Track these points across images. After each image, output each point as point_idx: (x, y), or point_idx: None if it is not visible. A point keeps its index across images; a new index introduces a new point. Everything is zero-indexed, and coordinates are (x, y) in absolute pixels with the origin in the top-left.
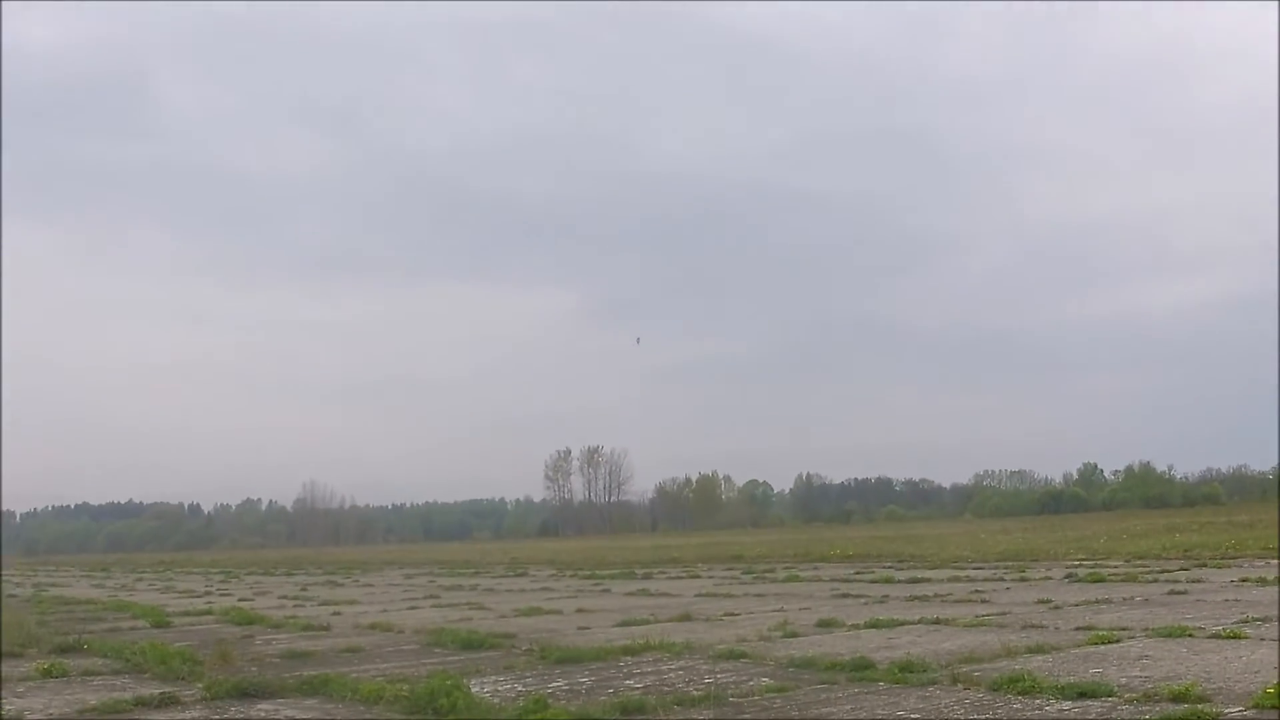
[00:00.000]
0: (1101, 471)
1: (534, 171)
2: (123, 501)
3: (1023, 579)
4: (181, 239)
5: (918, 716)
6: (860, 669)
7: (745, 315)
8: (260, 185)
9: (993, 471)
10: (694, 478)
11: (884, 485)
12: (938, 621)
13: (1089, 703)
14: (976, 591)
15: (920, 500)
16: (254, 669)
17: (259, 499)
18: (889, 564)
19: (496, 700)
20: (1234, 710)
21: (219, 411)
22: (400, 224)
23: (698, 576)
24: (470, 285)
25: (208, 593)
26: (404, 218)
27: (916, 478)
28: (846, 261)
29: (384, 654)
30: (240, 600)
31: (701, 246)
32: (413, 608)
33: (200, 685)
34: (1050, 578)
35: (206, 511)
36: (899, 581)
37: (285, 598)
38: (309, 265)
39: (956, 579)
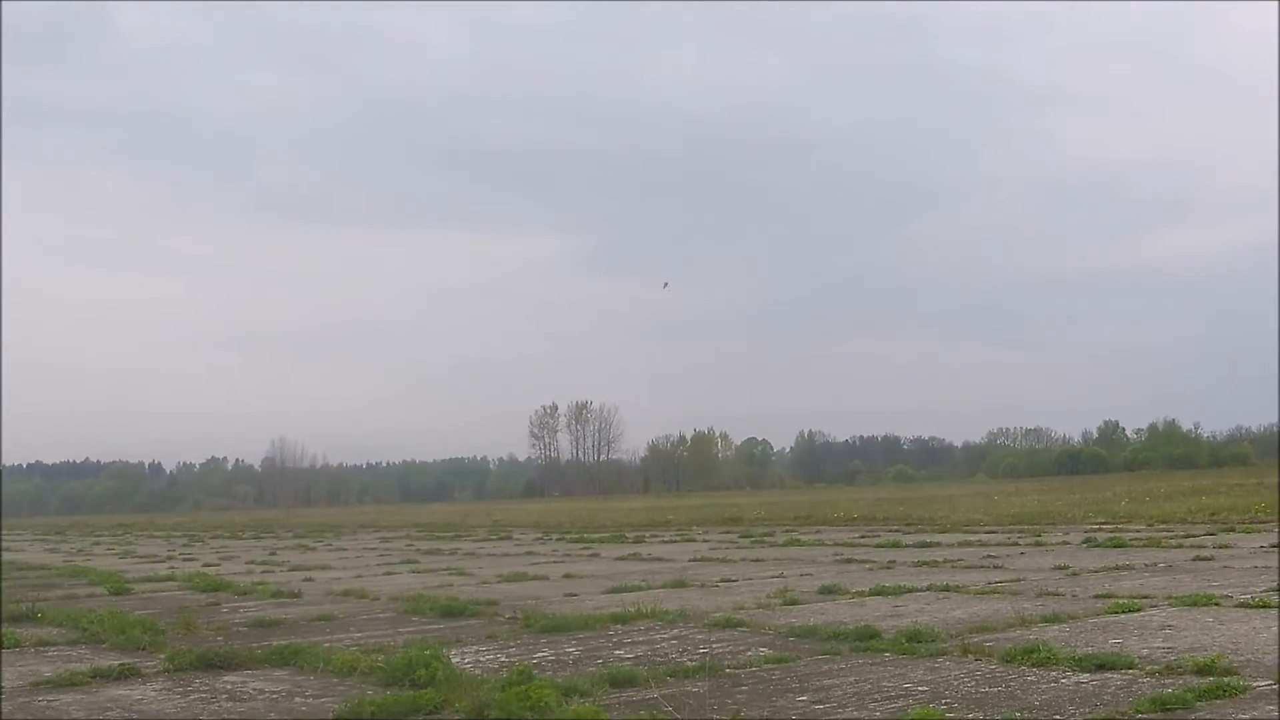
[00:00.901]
0: (1123, 430)
1: (520, 109)
2: (78, 460)
3: (1038, 544)
4: (139, 180)
5: (925, 689)
6: (864, 638)
7: (745, 264)
8: (223, 125)
9: (1007, 429)
10: (689, 435)
11: (891, 444)
12: (947, 589)
13: (1108, 675)
14: (989, 557)
15: (930, 460)
16: (219, 639)
17: (224, 458)
18: (896, 527)
19: (478, 671)
20: (1263, 683)
21: (181, 363)
22: (378, 166)
23: (692, 540)
24: (453, 231)
25: (170, 558)
26: (381, 159)
27: (926, 436)
28: (855, 205)
29: (359, 622)
30: (205, 565)
31: (699, 189)
32: (389, 573)
33: (163, 656)
34: (1068, 542)
35: (169, 471)
36: (906, 546)
37: (253, 563)
38: (278, 209)
39: (967, 543)
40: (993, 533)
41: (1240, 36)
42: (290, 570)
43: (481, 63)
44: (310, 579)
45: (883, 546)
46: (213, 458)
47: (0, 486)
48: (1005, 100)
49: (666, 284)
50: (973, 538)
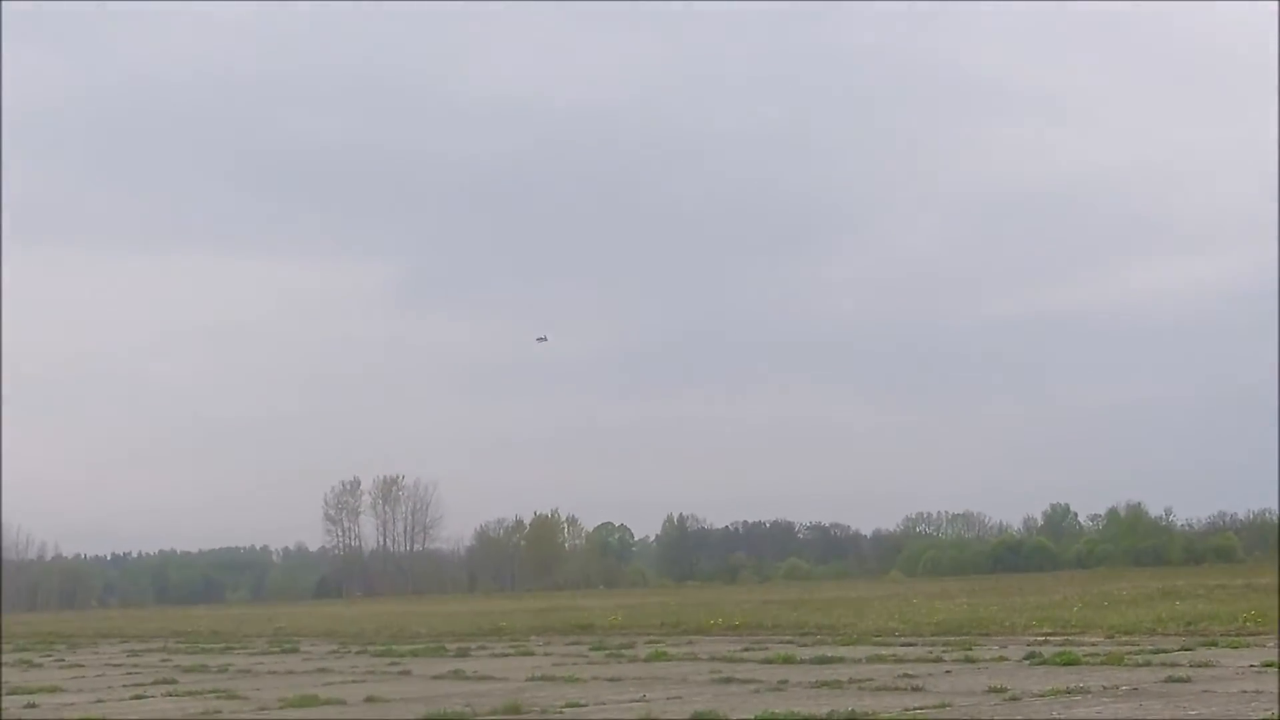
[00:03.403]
0: (1075, 516)
1: (320, 104)
2: None
3: (969, 659)
4: None
5: None
6: None
7: (601, 300)
8: None
9: (929, 514)
10: (526, 519)
11: (783, 531)
12: (853, 717)
13: None
14: (906, 676)
15: (831, 552)
16: None
17: None
18: (789, 637)
19: None
20: None
21: None
22: (127, 170)
23: (531, 654)
24: (220, 254)
25: None
26: (134, 163)
27: (826, 522)
28: (742, 227)
29: None
30: None
31: (544, 207)
32: (138, 697)
33: None
34: (1006, 658)
35: None
36: (802, 662)
37: None
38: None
39: (879, 658)
40: (911, 645)
41: (1233, 31)
42: (8, 694)
43: (274, 48)
44: (33, 705)
45: (772, 662)
46: None
47: None
48: (937, 100)
49: (544, 337)
50: (886, 651)
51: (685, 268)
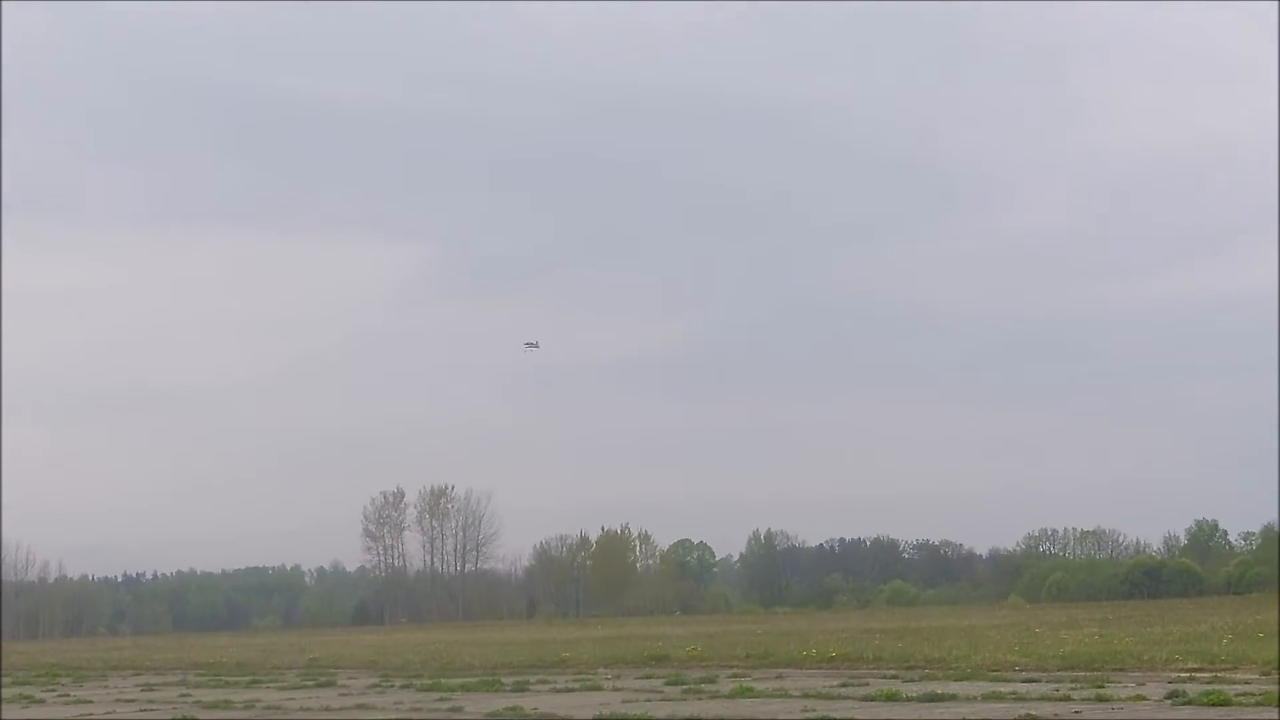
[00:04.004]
0: (1224, 534)
1: (356, 69)
2: None
3: (1100, 698)
4: None
5: None
6: None
7: (679, 292)
8: None
9: (1053, 532)
10: (593, 536)
11: (885, 550)
12: None
13: None
14: (1029, 717)
15: (941, 574)
16: None
17: None
18: (892, 671)
19: None
20: None
21: None
22: (145, 140)
23: (598, 688)
24: (252, 234)
25: None
26: (151, 131)
27: (935, 539)
28: (828, 209)
29: None
30: None
31: (603, 183)
32: None
33: None
34: (1144, 697)
35: None
36: (908, 699)
37: None
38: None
39: (997, 696)
40: (1034, 680)
41: None
42: None
43: (295, 9)
44: None
45: (873, 700)
46: None
47: None
48: (1046, 60)
49: (534, 344)
50: (1004, 688)
51: (768, 254)
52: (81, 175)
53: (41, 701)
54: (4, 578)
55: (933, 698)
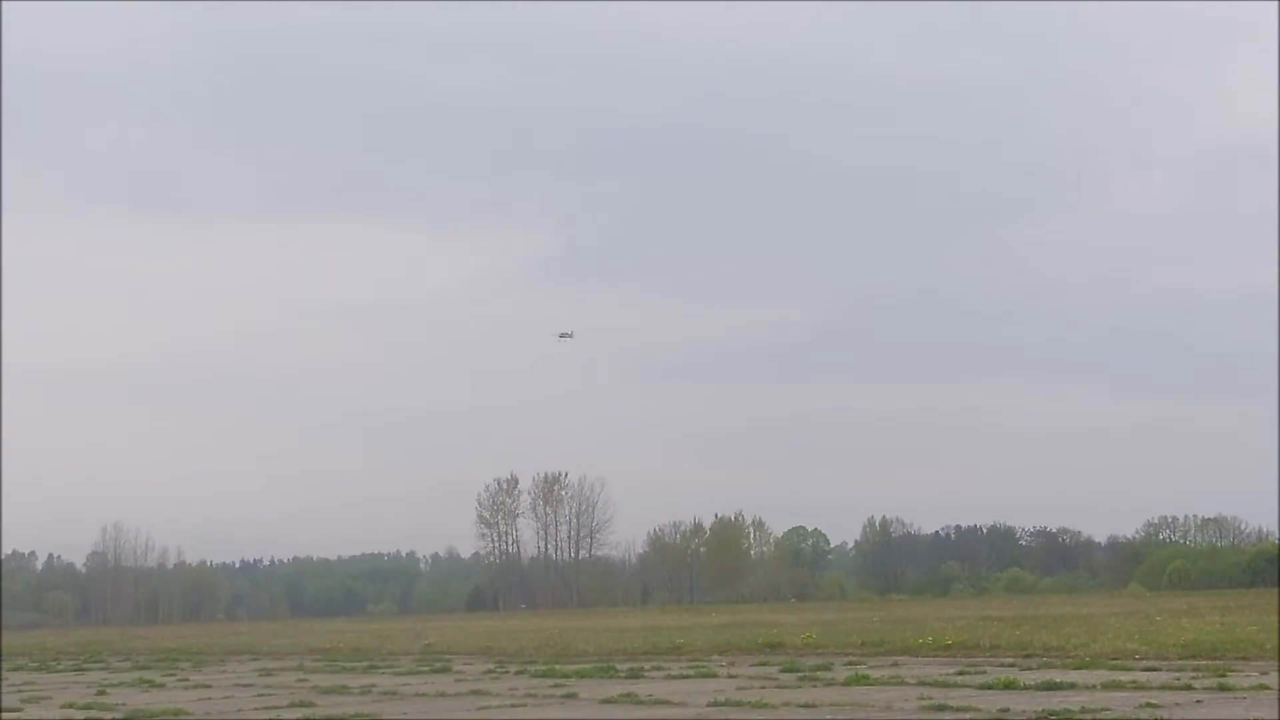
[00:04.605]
0: None
1: (463, 52)
2: None
3: (1222, 686)
4: None
5: None
6: None
7: (791, 277)
8: (25, 69)
9: (1174, 519)
10: (706, 523)
11: (1002, 537)
12: None
13: None
14: (1149, 705)
15: (1059, 562)
16: None
17: (30, 552)
18: (1009, 659)
19: None
20: None
21: None
22: (252, 127)
23: (713, 675)
24: (359, 221)
25: None
26: (258, 118)
27: (1052, 527)
28: (942, 193)
29: None
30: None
31: (719, 169)
32: None
33: None
34: (1267, 686)
35: None
36: (1026, 688)
37: (72, 706)
38: (103, 189)
39: (1117, 684)
40: (1154, 669)
41: None
42: (126, 718)
43: None
44: None
45: (991, 688)
46: (14, 553)
47: None
48: (1168, 41)
49: (567, 334)
50: (1124, 676)
51: (881, 239)
52: (195, 165)
53: (161, 686)
54: (123, 563)
55: (1051, 686)
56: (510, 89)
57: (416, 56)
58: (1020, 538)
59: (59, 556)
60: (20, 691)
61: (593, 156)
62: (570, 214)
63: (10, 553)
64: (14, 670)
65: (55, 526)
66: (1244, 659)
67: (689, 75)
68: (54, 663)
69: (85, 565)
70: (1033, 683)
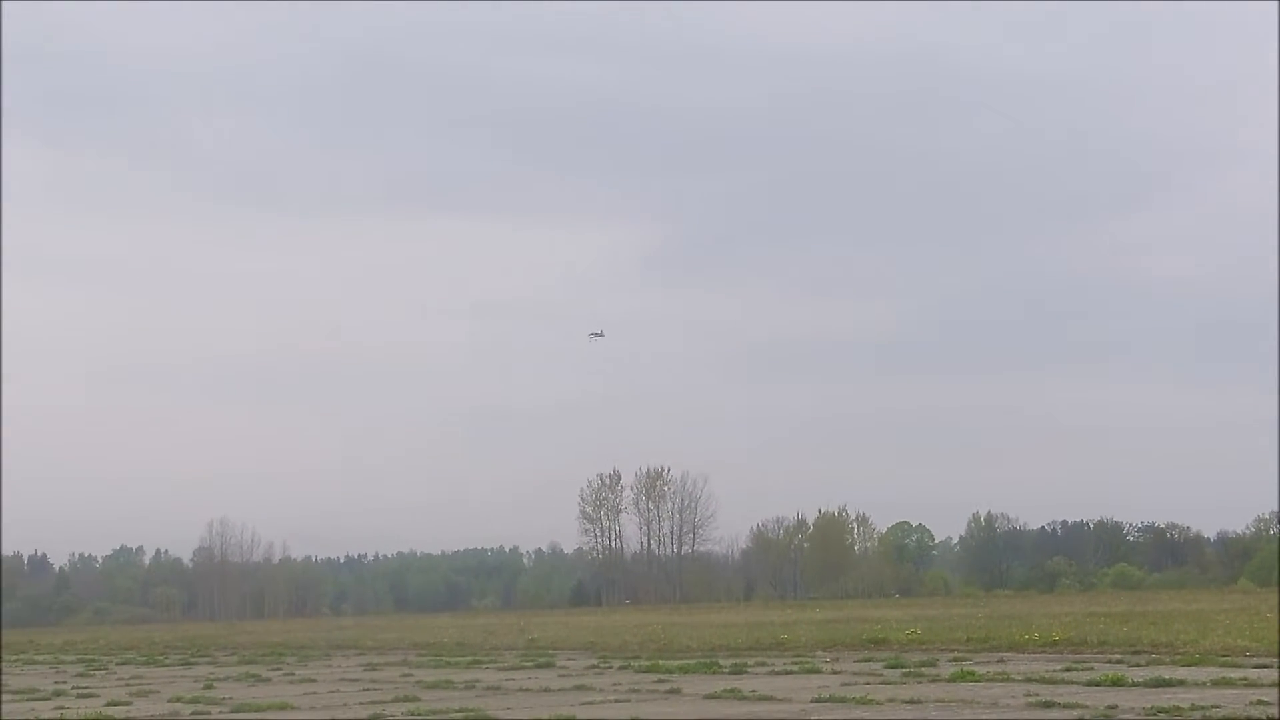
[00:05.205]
0: None
1: (568, 50)
2: None
3: None
4: (10, 148)
5: None
6: None
7: (889, 270)
8: (139, 69)
9: None
10: (810, 518)
11: (1109, 533)
12: None
13: None
14: (1260, 703)
15: (1167, 557)
16: None
17: (139, 547)
18: (1117, 655)
19: None
20: None
21: (72, 406)
22: (357, 128)
23: (817, 671)
24: (465, 220)
25: (59, 694)
26: (364, 120)
27: (1160, 522)
28: (1046, 185)
29: None
30: (109, 705)
31: (823, 163)
32: (377, 716)
33: None
34: None
35: (58, 566)
36: (1134, 685)
37: (179, 700)
38: (218, 187)
39: (1227, 681)
40: (1265, 666)
41: None
42: (233, 712)
43: None
44: None
45: (1098, 684)
46: (122, 548)
47: None
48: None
49: (598, 333)
50: (1234, 674)
51: (973, 234)
52: (309, 163)
53: (268, 680)
54: (229, 558)
55: (1159, 683)
56: (617, 86)
57: (528, 55)
58: (1128, 533)
59: (166, 551)
60: (128, 685)
61: (695, 152)
62: (671, 209)
63: (119, 547)
64: (122, 664)
65: (162, 522)
66: None
67: (787, 71)
68: (161, 657)
69: (192, 560)
70: (1141, 679)
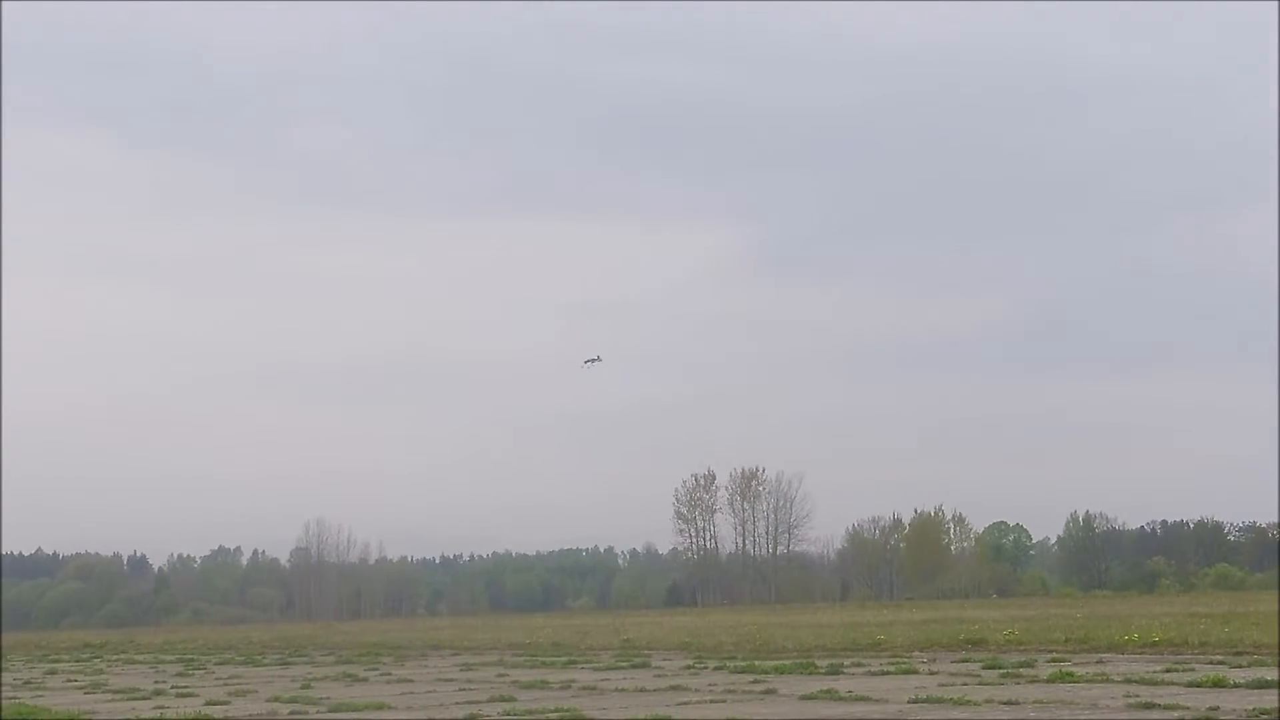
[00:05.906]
0: None
1: (671, 52)
2: (26, 553)
3: None
4: (108, 148)
5: None
6: None
7: (989, 270)
8: (237, 71)
9: None
10: (906, 519)
11: (1209, 532)
12: None
13: None
14: None
15: (1270, 557)
16: None
17: (236, 548)
18: (1219, 657)
19: None
20: None
21: (170, 411)
22: (453, 130)
23: (914, 672)
24: (558, 220)
25: (158, 693)
26: (472, 118)
27: (1263, 522)
28: (1154, 179)
29: None
30: (208, 705)
31: (916, 163)
32: (474, 717)
33: None
34: None
35: (157, 567)
36: (1236, 686)
37: (278, 700)
38: (316, 190)
39: None
40: None
41: None
42: (330, 711)
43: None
44: None
45: (1200, 686)
46: (220, 548)
47: None
48: None
49: (594, 359)
50: None
51: (1080, 230)
52: (406, 165)
53: (364, 680)
54: (325, 558)
55: (1262, 684)
56: (713, 86)
57: (620, 55)
58: (1229, 532)
59: (263, 552)
60: (227, 685)
61: (794, 151)
62: (770, 209)
63: (216, 548)
64: (220, 664)
65: (260, 523)
66: None
67: (887, 70)
68: (259, 657)
69: (289, 561)
70: (1243, 680)
